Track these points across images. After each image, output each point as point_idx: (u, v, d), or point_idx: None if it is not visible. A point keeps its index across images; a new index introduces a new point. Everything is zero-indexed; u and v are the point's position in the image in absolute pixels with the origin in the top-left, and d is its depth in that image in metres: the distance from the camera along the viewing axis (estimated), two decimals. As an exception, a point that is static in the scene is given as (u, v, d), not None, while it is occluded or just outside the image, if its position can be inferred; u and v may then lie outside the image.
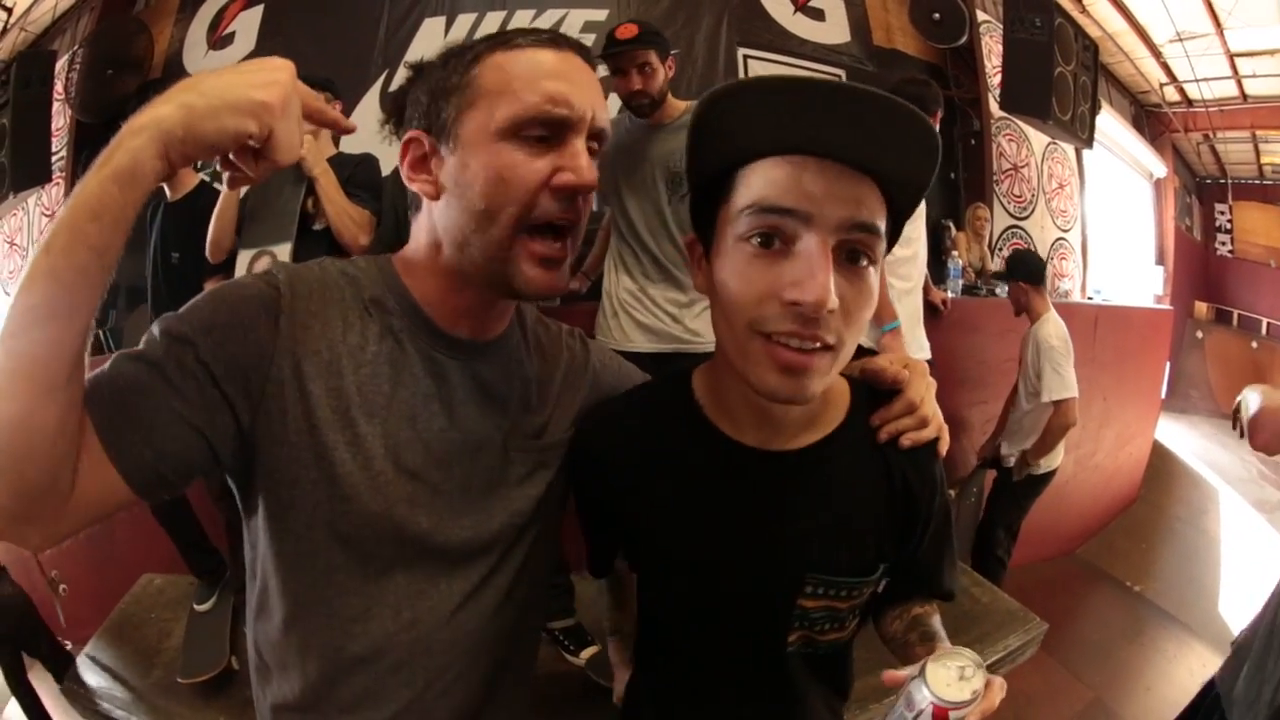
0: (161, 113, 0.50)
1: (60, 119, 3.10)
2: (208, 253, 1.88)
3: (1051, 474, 2.54)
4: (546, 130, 0.60)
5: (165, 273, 2.07)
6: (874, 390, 0.70)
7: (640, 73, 1.67)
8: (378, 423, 0.63)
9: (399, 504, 0.64)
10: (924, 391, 0.69)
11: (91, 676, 1.76)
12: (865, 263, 0.57)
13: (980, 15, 3.65)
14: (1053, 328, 2.43)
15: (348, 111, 2.67)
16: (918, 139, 0.56)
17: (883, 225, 0.57)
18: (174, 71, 3.07)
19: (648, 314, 1.88)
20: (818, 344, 0.55)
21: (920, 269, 2.22)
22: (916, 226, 2.15)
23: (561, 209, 0.61)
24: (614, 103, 2.86)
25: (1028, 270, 2.50)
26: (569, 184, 0.60)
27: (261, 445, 0.61)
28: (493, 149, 0.59)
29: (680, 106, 1.76)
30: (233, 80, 0.52)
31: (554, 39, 0.62)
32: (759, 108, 0.56)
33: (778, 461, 0.66)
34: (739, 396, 0.65)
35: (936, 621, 0.76)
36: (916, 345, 2.19)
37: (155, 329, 0.58)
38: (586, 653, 1.84)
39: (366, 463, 0.62)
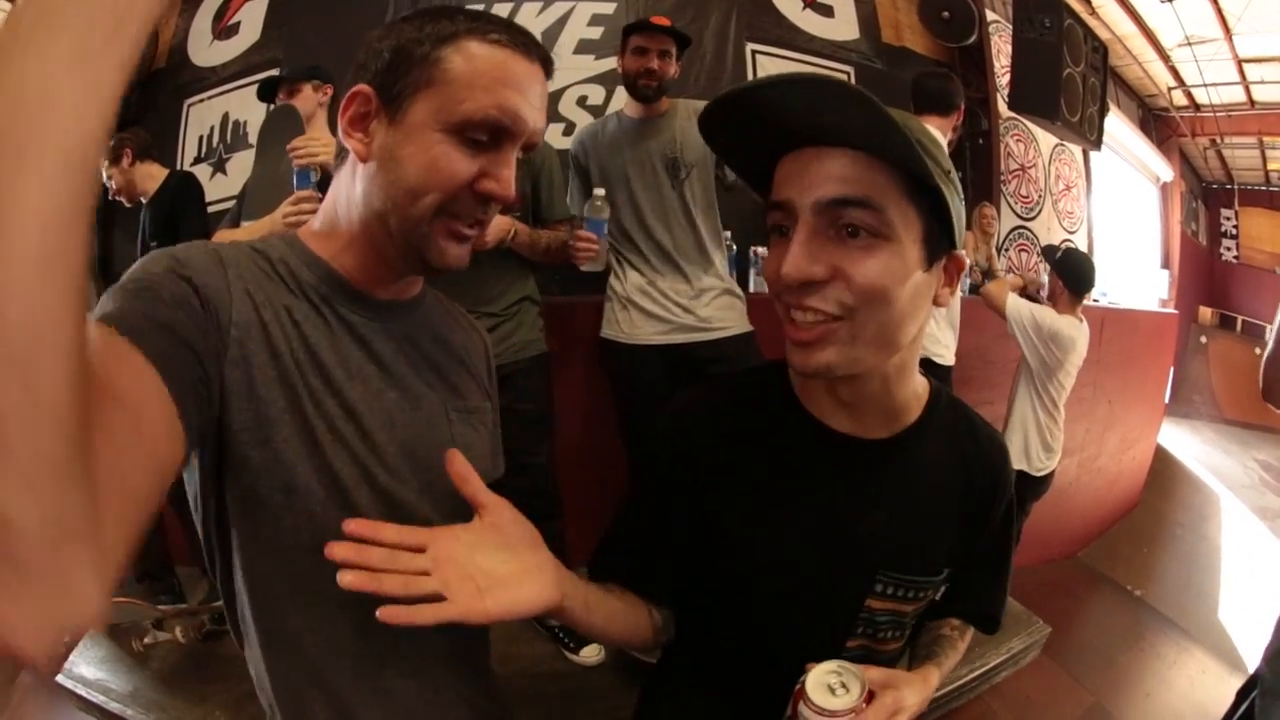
0: None
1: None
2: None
3: (1050, 475, 2.52)
4: (487, 135, 0.61)
5: None
6: (950, 394, 0.74)
7: (660, 58, 1.82)
8: (324, 386, 0.62)
9: (351, 465, 0.62)
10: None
11: (87, 669, 1.75)
12: (866, 236, 0.57)
13: (989, 15, 3.63)
14: (1069, 326, 2.38)
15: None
16: (851, 100, 0.53)
17: (879, 197, 0.57)
18: (178, 62, 3.06)
19: (657, 306, 1.89)
20: (817, 315, 0.59)
21: None
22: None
23: (478, 209, 0.63)
24: (614, 102, 2.85)
25: (1074, 277, 2.44)
26: (490, 192, 0.62)
27: (230, 403, 0.56)
28: (433, 137, 0.60)
29: (668, 102, 1.88)
30: None
31: (527, 45, 0.62)
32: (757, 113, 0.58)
33: (863, 448, 0.69)
34: (823, 385, 0.68)
35: (950, 651, 0.76)
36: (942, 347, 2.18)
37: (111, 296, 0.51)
38: (586, 651, 1.83)
39: (330, 424, 0.61)
